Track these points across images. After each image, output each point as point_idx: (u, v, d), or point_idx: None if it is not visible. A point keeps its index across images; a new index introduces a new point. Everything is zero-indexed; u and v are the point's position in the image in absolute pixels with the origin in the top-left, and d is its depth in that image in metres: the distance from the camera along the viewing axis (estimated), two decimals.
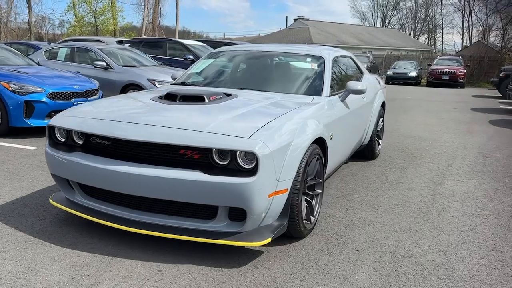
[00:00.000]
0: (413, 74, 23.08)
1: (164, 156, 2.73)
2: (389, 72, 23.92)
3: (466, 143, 6.95)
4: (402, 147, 6.54)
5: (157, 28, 34.99)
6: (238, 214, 2.72)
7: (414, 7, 62.79)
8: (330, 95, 3.86)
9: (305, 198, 3.21)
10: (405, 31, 62.37)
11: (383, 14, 66.15)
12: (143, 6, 34.91)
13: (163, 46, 11.35)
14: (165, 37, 19.86)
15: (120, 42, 12.88)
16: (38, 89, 6.12)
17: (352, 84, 3.95)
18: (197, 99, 3.25)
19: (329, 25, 44.48)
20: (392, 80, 23.57)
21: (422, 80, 24.63)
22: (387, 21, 64.99)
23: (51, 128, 3.16)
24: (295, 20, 44.82)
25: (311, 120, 3.19)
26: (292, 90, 3.82)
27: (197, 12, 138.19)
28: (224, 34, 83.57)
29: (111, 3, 34.49)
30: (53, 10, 78.06)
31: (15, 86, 5.98)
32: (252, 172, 2.59)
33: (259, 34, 56.65)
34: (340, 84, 4.27)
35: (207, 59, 4.56)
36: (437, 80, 21.91)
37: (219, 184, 2.56)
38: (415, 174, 5.03)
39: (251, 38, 51.10)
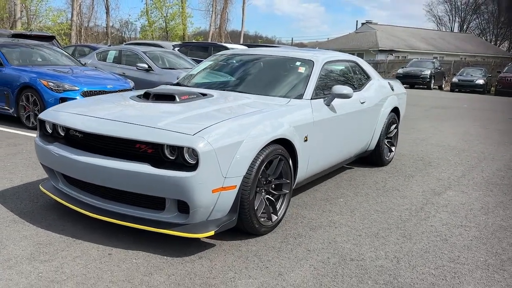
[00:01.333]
0: (480, 81, 21.81)
1: (122, 149, 2.97)
2: (454, 79, 22.80)
3: (496, 155, 6.57)
4: (422, 155, 6.33)
5: (223, 33, 36.04)
6: (186, 207, 2.89)
7: (496, 11, 59.04)
8: (313, 99, 3.91)
9: (267, 197, 3.30)
10: (486, 37, 58.82)
11: (461, 19, 62.90)
12: (210, 12, 36.15)
13: (208, 50, 11.80)
14: (210, 42, 20.52)
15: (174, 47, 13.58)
16: (73, 87, 6.69)
17: (337, 88, 3.96)
18: (169, 98, 3.47)
19: (398, 30, 43.11)
20: (457, 87, 22.45)
21: (492, 89, 23.19)
22: (465, 26, 61.73)
23: (42, 122, 3.53)
24: (362, 24, 43.98)
25: (274, 121, 3.28)
26: (271, 92, 3.92)
27: (270, 17, 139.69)
28: (292, 39, 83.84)
29: (181, 8, 36.01)
30: (130, 15, 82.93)
31: (52, 84, 6.60)
32: (194, 167, 2.75)
33: (327, 38, 56.28)
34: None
35: (207, 61, 4.78)
36: (506, 89, 20.53)
37: (162, 177, 2.75)
38: (419, 183, 4.89)
39: (319, 43, 50.84)
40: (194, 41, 26.57)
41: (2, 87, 7.06)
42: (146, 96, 3.56)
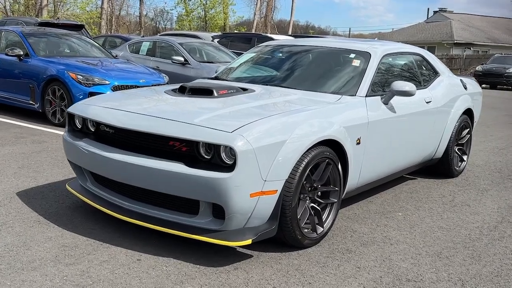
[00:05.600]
0: None
1: (155, 146, 3.17)
2: None
3: None
4: (501, 166, 6.20)
5: (269, 23, 36.41)
6: (221, 212, 3.03)
7: None
8: (368, 96, 3.97)
9: (312, 205, 3.40)
10: None
11: None
12: None
13: (251, 41, 12.05)
14: (254, 32, 20.82)
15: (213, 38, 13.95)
16: (104, 81, 7.05)
17: (397, 85, 4.01)
18: (206, 92, 3.64)
19: (478, 19, 42.05)
20: None
21: None
22: None
23: (71, 116, 3.79)
24: (434, 12, 43.20)
25: (321, 120, 3.38)
26: (320, 88, 4.02)
27: (325, 5, 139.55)
28: (349, 29, 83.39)
29: None
30: (165, 3, 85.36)
31: (81, 77, 6.99)
32: (231, 167, 2.89)
33: (392, 29, 55.66)
34: None
35: (249, 53, 4.94)
36: None
37: (196, 177, 2.91)
38: (494, 198, 4.83)
39: (382, 35, 50.28)
40: (236, 31, 27.09)
41: (28, 80, 7.54)
42: (182, 90, 3.76)
